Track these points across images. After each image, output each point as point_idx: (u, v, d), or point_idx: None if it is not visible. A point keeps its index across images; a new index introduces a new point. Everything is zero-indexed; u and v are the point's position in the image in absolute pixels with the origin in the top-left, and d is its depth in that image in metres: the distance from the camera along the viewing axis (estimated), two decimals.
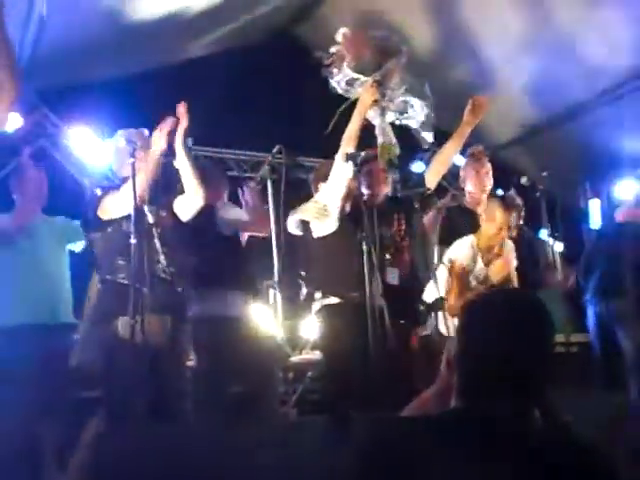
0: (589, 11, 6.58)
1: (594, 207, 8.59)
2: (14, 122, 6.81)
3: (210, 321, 4.43)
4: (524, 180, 4.97)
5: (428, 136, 4.50)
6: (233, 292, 4.67)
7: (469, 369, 1.67)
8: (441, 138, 4.73)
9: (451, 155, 4.80)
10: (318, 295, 4.36)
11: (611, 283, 5.33)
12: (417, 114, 4.44)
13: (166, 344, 3.96)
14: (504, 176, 7.99)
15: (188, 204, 4.25)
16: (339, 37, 4.41)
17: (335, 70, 4.36)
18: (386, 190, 4.57)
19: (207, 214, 4.44)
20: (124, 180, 4.05)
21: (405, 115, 4.46)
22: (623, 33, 6.66)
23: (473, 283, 4.62)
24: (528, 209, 5.26)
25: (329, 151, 4.50)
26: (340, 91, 4.41)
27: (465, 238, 4.67)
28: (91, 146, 6.45)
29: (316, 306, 4.38)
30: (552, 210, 4.91)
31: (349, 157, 4.13)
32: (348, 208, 4.42)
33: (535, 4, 6.76)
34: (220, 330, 4.45)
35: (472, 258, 4.61)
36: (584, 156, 5.57)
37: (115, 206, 4.00)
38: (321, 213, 4.36)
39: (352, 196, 4.34)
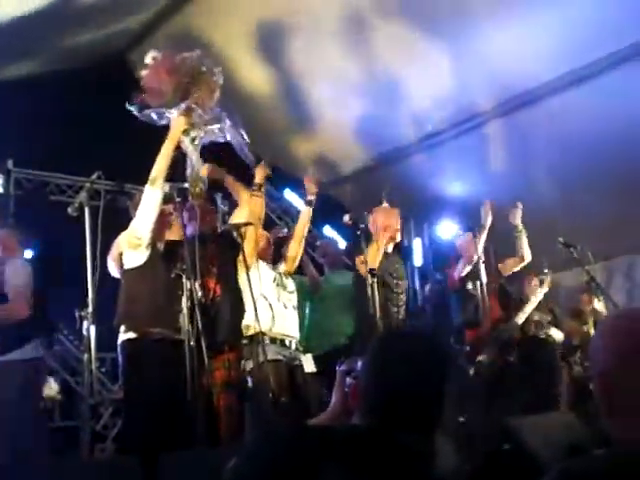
0: (412, 62, 6.92)
1: (416, 246, 8.93)
2: None
3: None
4: (346, 218, 5.06)
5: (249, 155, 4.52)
6: None
7: (375, 397, 1.80)
8: None
9: None
10: (122, 329, 4.21)
11: None
12: (233, 137, 4.40)
13: None
14: (331, 212, 8.23)
15: None
16: (149, 60, 4.27)
17: (144, 101, 4.22)
18: (208, 225, 4.59)
19: None
20: None
21: (221, 137, 4.41)
22: (445, 84, 7.03)
23: None
24: (351, 245, 5.44)
25: None
26: (152, 121, 4.25)
27: None
28: None
29: (119, 340, 4.23)
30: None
31: (172, 187, 4.09)
32: (162, 239, 4.36)
33: (362, 53, 7.03)
34: None
35: None
36: (407, 196, 5.80)
37: None
38: (133, 242, 4.22)
39: (166, 226, 4.28)
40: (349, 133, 8.13)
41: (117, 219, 4.47)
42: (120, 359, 4.22)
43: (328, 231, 9.05)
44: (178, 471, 2.81)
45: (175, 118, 4.22)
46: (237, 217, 4.78)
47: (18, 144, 6.73)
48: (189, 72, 4.27)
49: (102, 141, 7.12)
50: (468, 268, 6.02)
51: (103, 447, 7.24)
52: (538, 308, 6.61)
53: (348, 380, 2.24)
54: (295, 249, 5.31)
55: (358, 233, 4.92)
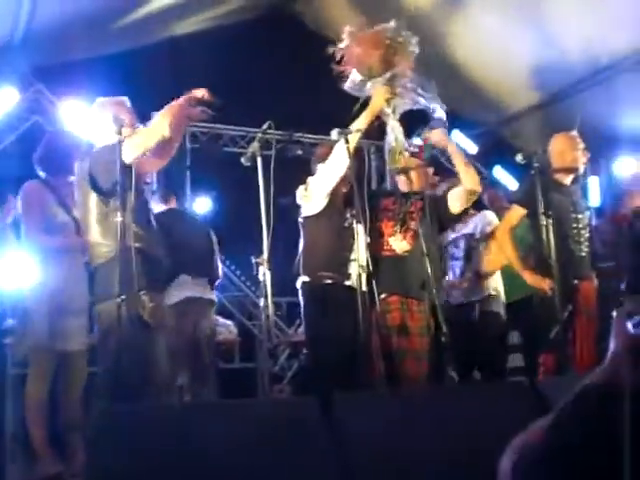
0: None
1: (593, 185, 8.56)
2: (11, 98, 6.80)
3: None
4: (519, 157, 4.87)
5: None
6: None
7: None
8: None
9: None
10: (300, 272, 4.43)
11: None
12: (431, 106, 4.48)
13: None
14: (502, 152, 8.04)
15: None
16: (345, 35, 4.38)
17: (346, 73, 4.37)
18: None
19: None
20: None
21: (418, 105, 4.49)
22: (622, 9, 6.60)
23: None
24: (524, 186, 5.25)
25: (324, 127, 4.50)
26: (353, 92, 4.43)
27: None
28: (83, 121, 6.35)
29: (297, 284, 4.45)
30: (547, 188, 4.80)
31: (340, 132, 4.15)
32: (344, 190, 4.46)
33: None
34: None
35: None
36: (583, 133, 5.53)
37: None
38: (303, 195, 4.45)
39: (344, 183, 4.38)
40: (518, 71, 7.86)
41: (288, 167, 4.59)
42: (300, 300, 4.48)
43: (499, 172, 8.86)
44: (354, 412, 2.86)
45: (378, 87, 4.34)
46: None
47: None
48: (390, 43, 4.36)
49: (271, 91, 7.30)
50: None
51: (280, 388, 7.56)
52: None
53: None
54: None
55: (532, 173, 4.74)
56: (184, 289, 5.17)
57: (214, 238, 5.55)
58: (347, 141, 4.15)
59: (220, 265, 5.60)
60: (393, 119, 4.42)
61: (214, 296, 5.47)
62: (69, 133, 5.35)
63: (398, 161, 4.41)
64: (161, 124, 3.69)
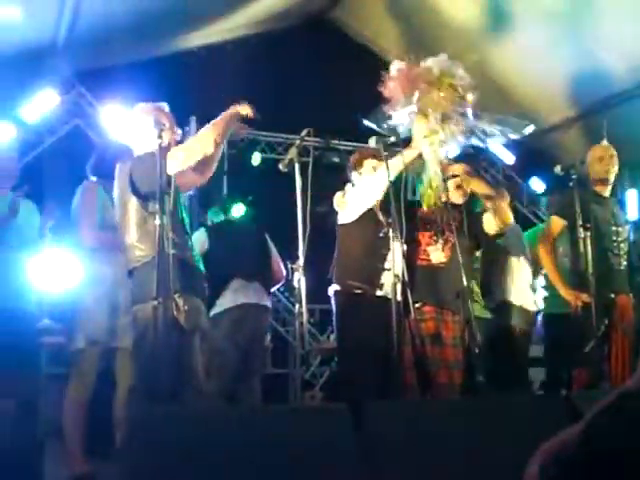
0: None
1: (631, 198, 8.46)
2: (51, 101, 6.90)
3: None
4: (558, 169, 4.82)
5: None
6: None
7: None
8: None
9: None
10: (333, 280, 4.44)
11: None
12: (490, 135, 4.19)
13: None
14: (538, 163, 7.97)
15: None
16: (393, 72, 4.14)
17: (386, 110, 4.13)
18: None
19: None
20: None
21: (479, 138, 4.21)
22: None
23: None
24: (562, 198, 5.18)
25: (362, 135, 4.49)
26: (388, 132, 4.21)
27: None
28: (124, 125, 6.43)
29: (330, 291, 4.45)
30: (586, 200, 4.74)
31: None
32: (379, 198, 4.45)
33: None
34: None
35: None
36: (622, 145, 5.46)
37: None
38: (340, 202, 4.46)
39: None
40: (557, 82, 7.80)
41: (324, 174, 4.61)
42: (332, 308, 4.47)
43: (535, 183, 8.79)
44: (385, 421, 2.85)
45: (416, 125, 4.12)
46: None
47: (228, 104, 7.04)
48: (428, 78, 4.11)
49: (308, 98, 7.32)
50: None
51: (312, 394, 7.57)
52: None
53: None
54: None
55: (570, 185, 4.68)
56: (239, 294, 5.20)
57: (271, 245, 5.59)
58: (388, 167, 4.03)
59: (281, 268, 5.61)
60: (432, 157, 4.19)
61: (269, 302, 5.48)
62: (117, 142, 5.42)
63: (427, 199, 4.28)
64: (207, 141, 3.67)
